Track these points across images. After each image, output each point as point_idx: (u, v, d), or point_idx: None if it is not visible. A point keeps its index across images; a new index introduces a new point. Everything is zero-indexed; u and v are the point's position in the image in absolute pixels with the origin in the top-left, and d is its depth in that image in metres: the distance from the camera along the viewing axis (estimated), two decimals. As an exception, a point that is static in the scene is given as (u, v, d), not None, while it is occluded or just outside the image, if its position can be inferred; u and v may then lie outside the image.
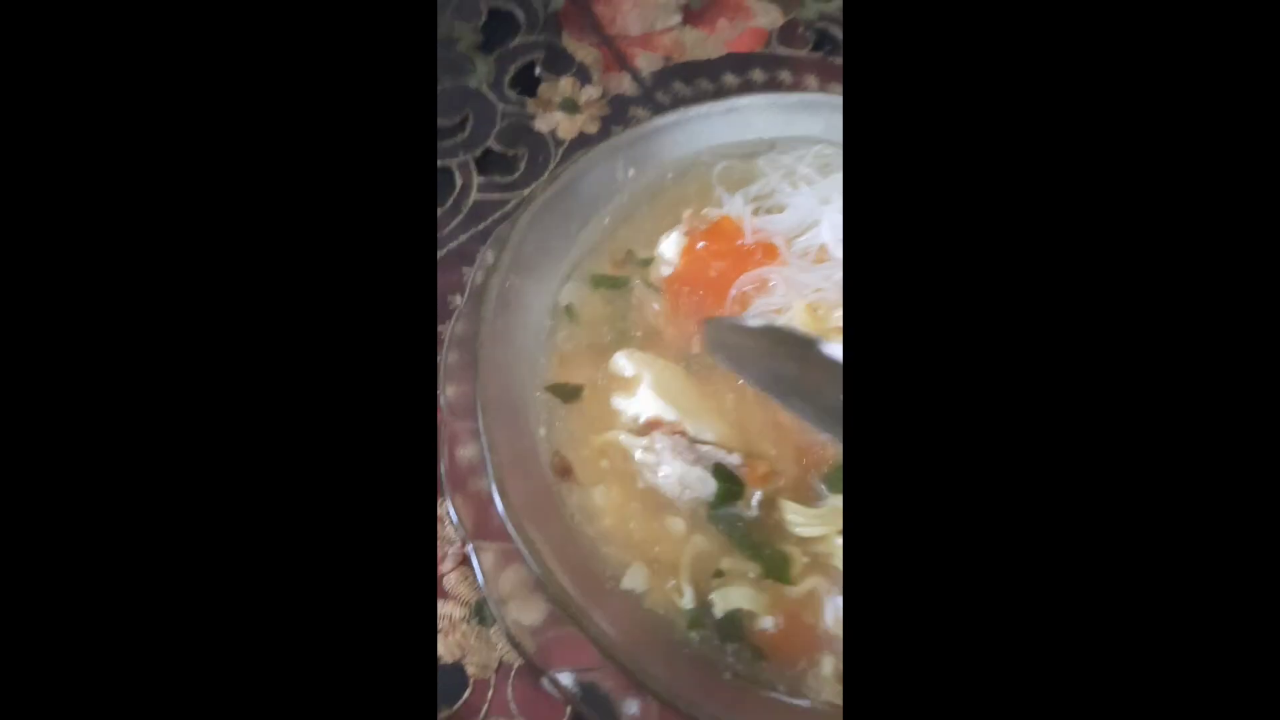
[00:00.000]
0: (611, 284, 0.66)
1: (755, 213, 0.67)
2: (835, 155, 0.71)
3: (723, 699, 0.53)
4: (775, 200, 0.68)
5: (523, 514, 0.57)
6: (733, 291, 0.63)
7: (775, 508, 0.59)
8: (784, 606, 0.57)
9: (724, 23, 0.98)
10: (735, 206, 0.67)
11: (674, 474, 0.59)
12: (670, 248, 0.66)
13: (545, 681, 0.54)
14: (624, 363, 0.63)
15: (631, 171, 0.71)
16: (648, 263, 0.67)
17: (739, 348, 0.59)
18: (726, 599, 0.57)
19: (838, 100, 0.76)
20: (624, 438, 0.61)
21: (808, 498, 0.60)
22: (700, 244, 0.65)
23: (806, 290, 0.63)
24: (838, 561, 0.58)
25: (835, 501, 0.59)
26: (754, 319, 0.63)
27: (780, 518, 0.59)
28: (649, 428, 0.61)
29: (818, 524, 0.58)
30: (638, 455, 0.60)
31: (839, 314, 0.62)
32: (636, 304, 0.65)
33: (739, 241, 0.65)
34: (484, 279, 0.63)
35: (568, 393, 0.63)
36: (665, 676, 0.52)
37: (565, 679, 0.53)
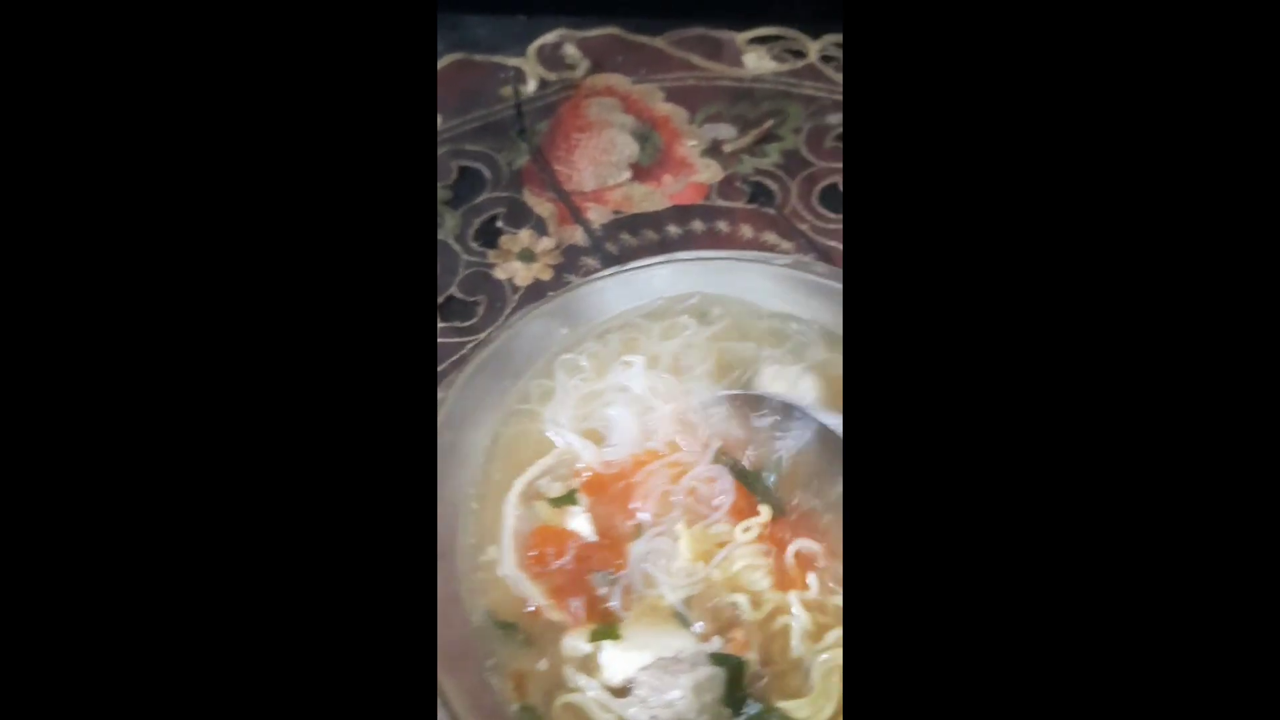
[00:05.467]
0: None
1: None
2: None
3: None
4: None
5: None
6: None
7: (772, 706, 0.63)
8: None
9: (669, 178, 1.08)
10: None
11: (686, 690, 0.61)
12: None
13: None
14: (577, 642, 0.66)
15: (564, 330, 0.81)
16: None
17: None
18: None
19: (751, 255, 0.87)
20: (591, 706, 0.63)
21: (799, 688, 0.63)
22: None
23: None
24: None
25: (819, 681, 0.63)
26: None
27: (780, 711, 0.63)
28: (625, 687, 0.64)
29: (816, 701, 0.62)
30: (629, 714, 0.62)
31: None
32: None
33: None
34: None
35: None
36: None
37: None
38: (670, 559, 0.68)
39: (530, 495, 0.72)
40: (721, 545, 0.68)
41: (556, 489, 0.72)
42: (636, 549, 0.68)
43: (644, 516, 0.70)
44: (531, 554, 0.69)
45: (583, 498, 0.71)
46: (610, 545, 0.69)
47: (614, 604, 0.66)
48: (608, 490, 0.71)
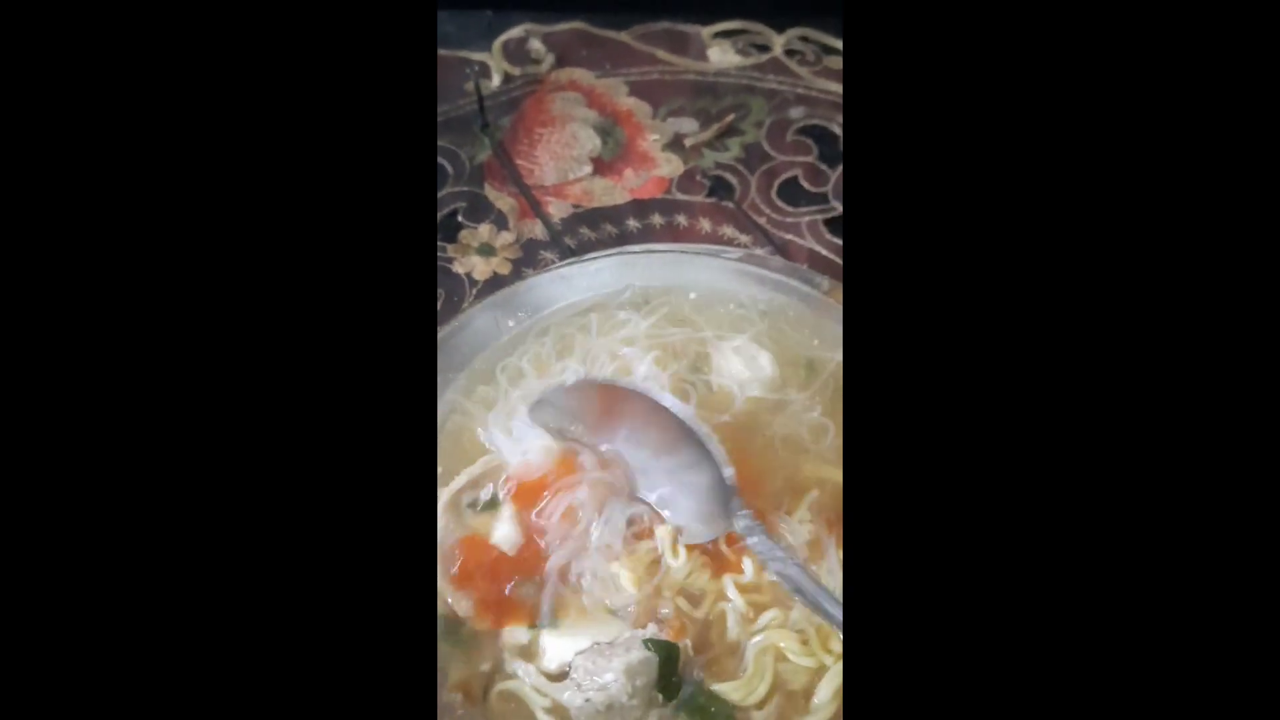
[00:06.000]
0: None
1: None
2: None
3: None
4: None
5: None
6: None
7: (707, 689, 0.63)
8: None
9: (630, 172, 1.09)
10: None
11: (618, 674, 0.61)
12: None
13: None
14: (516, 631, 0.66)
15: (511, 323, 0.81)
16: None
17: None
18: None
19: (700, 249, 0.87)
20: (527, 691, 0.64)
21: (734, 671, 0.64)
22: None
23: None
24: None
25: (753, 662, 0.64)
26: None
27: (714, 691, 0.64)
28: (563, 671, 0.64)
29: (750, 683, 0.63)
30: (564, 698, 0.62)
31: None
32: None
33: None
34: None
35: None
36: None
37: None
38: (612, 587, 0.67)
39: (458, 502, 0.72)
40: (655, 560, 0.67)
41: (485, 496, 0.72)
42: (553, 562, 0.67)
43: (551, 530, 0.69)
44: (455, 564, 0.68)
45: (509, 505, 0.70)
46: (535, 555, 0.68)
47: (543, 614, 0.66)
48: (532, 500, 0.70)
